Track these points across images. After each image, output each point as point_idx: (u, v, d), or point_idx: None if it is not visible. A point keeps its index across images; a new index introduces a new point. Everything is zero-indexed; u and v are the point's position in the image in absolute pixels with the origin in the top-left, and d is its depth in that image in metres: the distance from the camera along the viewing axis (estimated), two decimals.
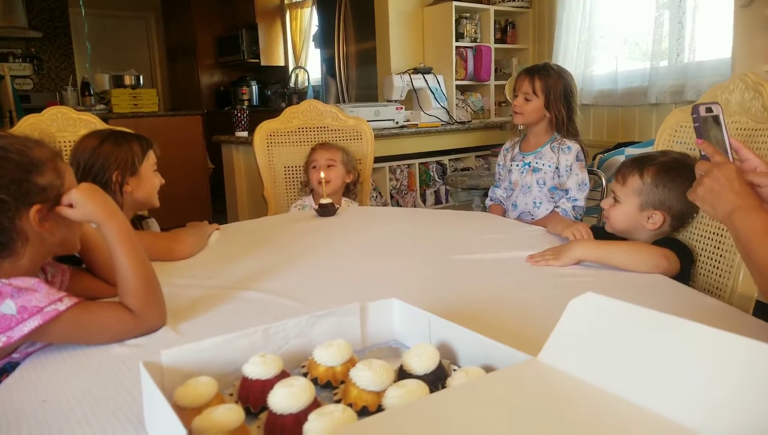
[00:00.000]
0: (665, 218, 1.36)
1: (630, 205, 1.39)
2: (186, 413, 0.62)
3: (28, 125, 1.68)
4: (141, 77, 5.30)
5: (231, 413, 0.59)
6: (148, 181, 1.58)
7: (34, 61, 6.30)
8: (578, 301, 0.64)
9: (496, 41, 4.03)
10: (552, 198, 2.11)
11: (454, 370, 0.72)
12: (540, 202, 2.12)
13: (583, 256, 1.28)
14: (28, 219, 0.92)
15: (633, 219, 1.39)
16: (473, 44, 3.94)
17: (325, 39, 4.59)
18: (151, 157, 1.59)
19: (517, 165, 2.17)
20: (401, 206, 3.53)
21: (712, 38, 2.81)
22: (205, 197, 4.88)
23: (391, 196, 3.54)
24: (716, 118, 1.01)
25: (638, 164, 1.40)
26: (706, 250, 1.36)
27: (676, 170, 1.35)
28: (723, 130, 1.01)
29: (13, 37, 6.08)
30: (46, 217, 0.95)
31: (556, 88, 2.07)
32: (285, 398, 0.61)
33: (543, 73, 2.09)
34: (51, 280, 1.06)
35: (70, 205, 0.97)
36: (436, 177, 3.77)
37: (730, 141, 1.01)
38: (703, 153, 1.01)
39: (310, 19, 6.15)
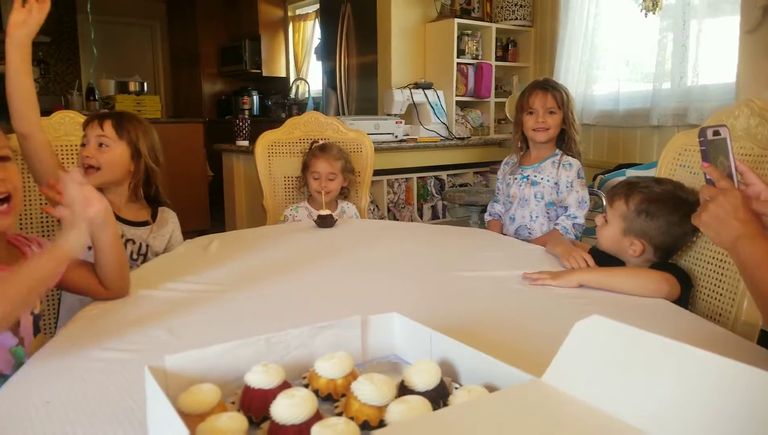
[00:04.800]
0: (644, 247, 1.36)
1: (615, 228, 1.39)
2: (189, 419, 0.62)
3: None
4: (145, 84, 5.32)
5: (234, 421, 0.59)
6: None
7: (41, 65, 6.32)
8: (584, 323, 0.64)
9: (497, 59, 4.06)
10: (548, 213, 2.12)
11: (456, 387, 0.72)
12: (536, 216, 2.12)
13: (583, 280, 1.28)
14: None
15: (617, 242, 1.40)
16: (474, 61, 3.97)
17: (327, 51, 4.62)
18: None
19: (516, 178, 2.17)
20: (398, 220, 3.54)
21: (716, 62, 2.83)
22: (204, 204, 4.88)
23: (388, 210, 3.55)
24: (723, 142, 1.00)
25: (627, 189, 1.39)
26: (707, 276, 1.36)
27: (662, 202, 1.34)
28: (730, 154, 1.00)
29: None
30: None
31: (570, 101, 2.09)
32: (288, 409, 0.61)
33: (557, 87, 2.11)
34: (27, 256, 1.10)
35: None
36: (433, 192, 3.78)
37: (737, 164, 1.00)
38: (708, 177, 1.00)
39: (312, 31, 6.19)
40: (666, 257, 1.40)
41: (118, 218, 1.60)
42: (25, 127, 1.39)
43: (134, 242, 1.63)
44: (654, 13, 2.99)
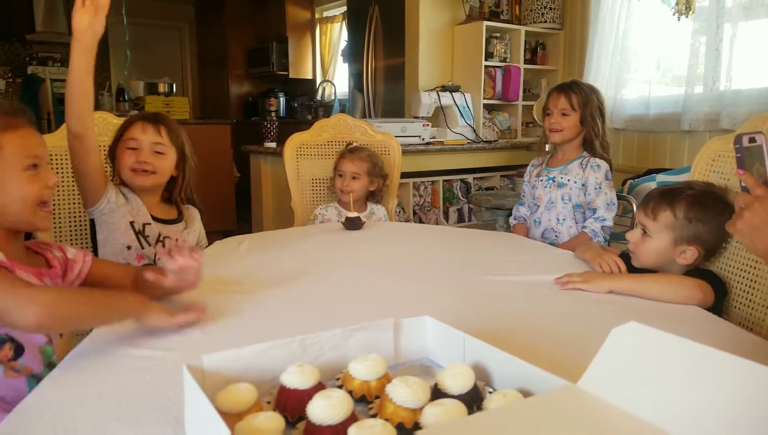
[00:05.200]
0: (699, 253, 1.34)
1: (662, 241, 1.36)
2: (226, 418, 0.62)
3: None
4: (174, 85, 5.39)
5: (272, 421, 0.60)
6: (118, 157, 1.60)
7: None
8: (621, 329, 0.64)
9: (526, 61, 4.04)
10: (575, 216, 2.10)
11: (489, 392, 0.72)
12: (563, 219, 2.10)
13: (614, 286, 1.26)
14: None
15: (664, 254, 1.36)
16: (502, 64, 3.95)
17: (354, 53, 4.64)
18: (125, 134, 1.61)
19: (542, 180, 2.16)
20: (423, 223, 3.53)
21: (750, 66, 2.78)
22: (231, 205, 4.94)
23: (414, 213, 3.55)
24: (759, 149, 0.98)
25: (668, 198, 1.37)
26: (740, 284, 1.34)
27: (708, 204, 1.33)
28: (766, 161, 0.98)
29: (54, 42, 6.24)
30: None
31: (590, 103, 2.07)
32: (324, 409, 0.62)
33: (576, 89, 2.10)
34: (50, 262, 1.12)
35: None
36: (459, 195, 3.77)
37: None
38: (743, 184, 0.99)
39: (339, 33, 6.22)
40: (712, 256, 1.38)
41: (154, 218, 1.63)
42: (81, 129, 1.40)
43: (171, 239, 1.65)
44: (687, 17, 2.95)
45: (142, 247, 1.59)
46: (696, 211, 1.33)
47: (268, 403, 0.71)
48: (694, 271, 1.33)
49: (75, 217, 1.80)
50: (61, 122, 1.84)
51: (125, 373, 0.85)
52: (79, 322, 1.01)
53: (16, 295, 0.89)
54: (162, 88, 5.43)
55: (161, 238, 1.62)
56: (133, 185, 1.62)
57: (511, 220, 2.31)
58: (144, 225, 1.60)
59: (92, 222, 1.61)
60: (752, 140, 0.99)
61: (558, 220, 2.11)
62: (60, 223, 1.77)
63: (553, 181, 2.13)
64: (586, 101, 2.07)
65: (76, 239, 1.79)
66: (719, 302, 1.28)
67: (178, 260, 1.09)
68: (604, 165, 2.07)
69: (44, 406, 0.76)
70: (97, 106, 6.12)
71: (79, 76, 1.34)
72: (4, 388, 0.99)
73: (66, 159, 1.74)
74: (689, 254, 1.33)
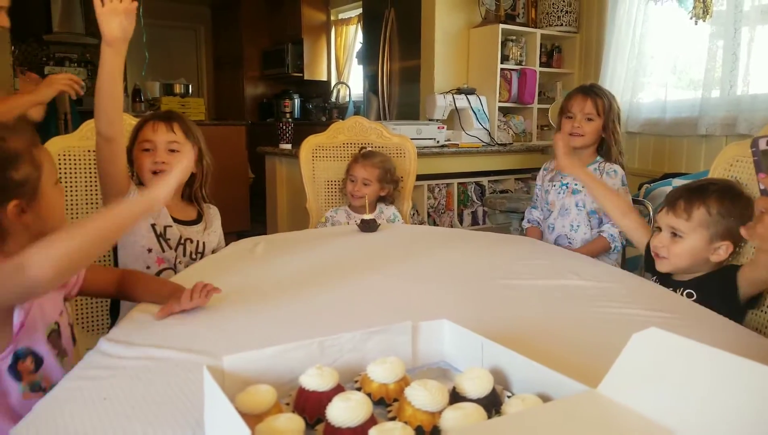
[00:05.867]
0: (733, 247, 1.33)
1: (697, 239, 1.34)
2: (246, 419, 0.63)
3: (89, 129, 1.74)
4: (190, 86, 5.43)
5: (292, 423, 0.61)
6: (136, 161, 1.58)
7: (88, 66, 6.52)
8: (641, 335, 0.64)
9: (542, 65, 4.03)
10: (590, 222, 2.08)
11: (508, 396, 0.72)
12: (578, 226, 2.09)
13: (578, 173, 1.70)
14: (6, 215, 0.94)
15: (699, 253, 1.36)
16: (518, 67, 3.94)
17: (369, 55, 4.65)
18: (139, 136, 1.60)
19: (554, 185, 2.15)
20: (438, 225, 3.53)
21: (767, 71, 2.76)
22: (245, 206, 4.96)
23: (428, 215, 3.55)
24: None
25: (698, 195, 1.36)
26: None
27: (735, 197, 1.34)
28: None
29: (71, 42, 6.31)
30: (25, 210, 0.97)
31: (612, 109, 2.05)
32: (344, 412, 0.62)
33: (600, 93, 2.07)
34: None
35: None
36: (474, 198, 3.77)
37: None
38: (762, 187, 0.98)
39: (354, 35, 6.24)
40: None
41: (175, 220, 1.63)
42: (112, 132, 1.40)
43: (192, 241, 1.65)
44: (704, 21, 2.92)
45: (163, 251, 1.59)
46: (727, 205, 1.33)
47: (287, 404, 0.72)
48: (729, 268, 1.33)
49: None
50: (78, 123, 1.85)
51: (144, 373, 0.86)
52: (94, 246, 0.96)
53: (21, 256, 0.86)
54: (178, 89, 5.48)
55: (182, 241, 1.63)
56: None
57: (524, 224, 2.30)
58: (165, 227, 1.60)
59: None
60: None
61: (572, 226, 2.10)
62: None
63: (567, 186, 2.11)
64: (609, 107, 2.04)
65: None
66: (743, 309, 1.28)
67: (193, 304, 1.10)
68: (620, 170, 2.05)
69: (67, 403, 0.77)
70: None
71: (110, 79, 1.34)
72: (25, 410, 1.00)
73: (81, 159, 1.75)
74: (723, 250, 1.33)
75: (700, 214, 1.34)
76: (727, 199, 1.33)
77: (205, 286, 1.10)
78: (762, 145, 0.99)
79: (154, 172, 1.57)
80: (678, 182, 2.62)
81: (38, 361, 1.03)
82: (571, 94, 2.13)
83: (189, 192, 1.71)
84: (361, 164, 2.23)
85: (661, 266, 1.39)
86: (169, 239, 1.60)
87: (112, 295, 1.29)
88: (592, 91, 2.08)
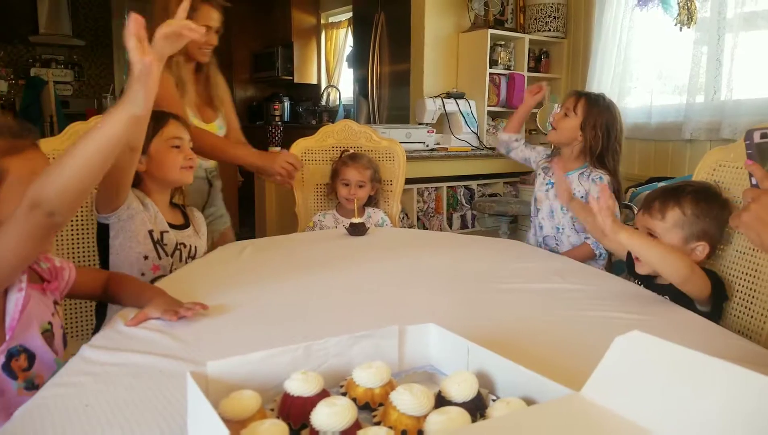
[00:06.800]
0: (710, 248, 1.34)
1: (673, 240, 1.36)
2: (230, 425, 0.63)
3: (74, 132, 1.72)
4: None
5: (276, 428, 0.60)
6: (161, 158, 1.59)
7: (75, 68, 6.47)
8: (624, 338, 0.64)
9: (530, 69, 4.04)
10: (575, 226, 2.10)
11: (493, 400, 0.73)
12: (563, 228, 2.11)
13: (628, 241, 1.25)
14: None
15: (681, 251, 1.36)
16: (507, 72, 3.96)
17: (359, 59, 4.65)
18: (164, 133, 1.60)
19: (543, 179, 2.16)
20: (427, 229, 3.54)
21: (751, 77, 2.79)
22: (235, 209, 4.94)
23: (418, 218, 3.55)
24: None
25: (673, 196, 1.37)
26: (740, 292, 1.35)
27: (710, 199, 1.36)
28: None
29: (57, 44, 6.26)
30: None
31: (598, 115, 2.04)
32: (328, 417, 0.62)
33: (592, 97, 2.08)
34: (42, 275, 1.12)
35: None
36: (463, 201, 3.78)
37: None
38: (752, 179, 0.97)
39: (345, 39, 6.24)
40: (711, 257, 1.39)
41: (169, 225, 1.62)
42: (138, 141, 1.36)
43: (185, 246, 1.64)
44: (689, 27, 2.96)
45: (159, 258, 1.57)
46: (702, 206, 1.34)
47: (272, 410, 0.72)
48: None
49: (78, 223, 1.75)
50: (63, 125, 1.83)
51: (128, 379, 0.85)
52: (95, 165, 0.95)
53: (28, 198, 0.90)
54: None
55: (178, 246, 1.61)
56: (183, 182, 1.66)
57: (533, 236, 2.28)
58: (162, 233, 1.59)
59: (99, 228, 1.57)
60: (764, 136, 0.97)
61: (558, 229, 2.12)
62: (63, 230, 1.74)
63: (552, 186, 2.12)
64: (593, 111, 2.03)
65: (79, 246, 1.73)
66: (718, 307, 1.28)
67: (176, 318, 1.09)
68: (607, 177, 2.05)
69: (50, 407, 0.76)
70: (100, 109, 6.14)
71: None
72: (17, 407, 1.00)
73: None
74: (700, 250, 1.34)
75: (675, 215, 1.35)
76: (702, 201, 1.34)
77: (195, 306, 1.10)
78: (756, 138, 0.97)
79: (185, 168, 1.63)
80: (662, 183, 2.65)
81: (31, 358, 1.03)
82: (570, 92, 2.18)
83: (181, 197, 1.71)
84: (353, 167, 2.23)
85: (640, 269, 1.39)
86: (166, 245, 1.58)
87: (99, 297, 1.29)
88: (585, 93, 2.11)
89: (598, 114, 2.04)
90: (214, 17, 2.12)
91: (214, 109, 2.19)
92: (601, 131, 2.03)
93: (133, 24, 0.97)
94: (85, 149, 0.94)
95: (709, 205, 1.34)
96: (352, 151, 2.35)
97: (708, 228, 1.34)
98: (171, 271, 1.55)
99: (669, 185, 1.45)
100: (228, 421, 0.64)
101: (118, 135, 0.97)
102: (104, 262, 1.57)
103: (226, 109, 2.25)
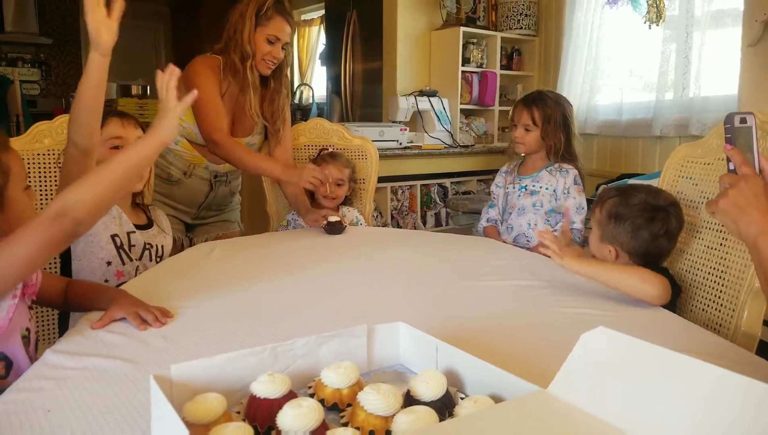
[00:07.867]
0: (618, 253, 1.37)
1: (593, 235, 1.42)
2: (194, 429, 0.62)
3: (38, 132, 1.68)
4: (149, 88, 5.32)
5: (241, 431, 0.59)
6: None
7: (42, 66, 6.33)
8: (590, 335, 0.64)
9: (502, 67, 4.07)
10: (548, 220, 2.13)
11: (462, 398, 0.72)
12: (535, 224, 2.13)
13: (581, 269, 1.26)
14: None
15: (598, 250, 1.41)
16: (479, 69, 3.97)
17: (332, 57, 4.64)
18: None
19: (514, 187, 2.20)
20: (401, 227, 3.54)
21: (718, 74, 2.84)
22: None
23: (392, 217, 3.55)
24: (749, 130, 0.95)
25: (601, 198, 1.43)
26: (707, 286, 1.37)
27: (629, 206, 1.36)
28: (754, 144, 0.95)
29: (23, 42, 6.12)
30: None
31: (554, 116, 2.11)
32: (294, 419, 0.61)
33: (540, 103, 2.13)
34: None
35: None
36: (437, 199, 3.79)
37: (760, 158, 0.94)
38: (730, 165, 0.95)
39: (317, 37, 6.21)
40: (645, 264, 1.35)
41: (135, 226, 1.58)
42: (90, 143, 1.32)
43: (152, 245, 1.61)
44: (657, 25, 3.00)
45: (123, 263, 1.53)
46: (615, 211, 1.36)
47: (238, 413, 0.71)
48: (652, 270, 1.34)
49: None
50: (29, 125, 1.78)
51: (91, 383, 0.84)
52: (119, 188, 1.04)
53: (54, 205, 0.93)
54: (135, 90, 5.36)
55: (146, 246, 1.58)
56: (132, 188, 1.55)
57: (483, 223, 2.32)
58: (129, 234, 1.55)
59: None
60: (743, 121, 0.96)
61: (529, 225, 2.14)
62: None
63: (525, 189, 2.17)
64: (549, 116, 2.10)
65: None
66: (673, 302, 1.30)
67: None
68: (573, 170, 2.12)
69: (11, 414, 0.74)
70: (68, 109, 6.01)
71: (97, 87, 1.28)
72: None
73: (32, 162, 1.66)
74: (611, 255, 1.37)
75: (596, 213, 1.41)
76: (620, 207, 1.36)
77: (162, 317, 1.08)
78: (736, 122, 0.96)
79: None
80: (634, 182, 2.68)
81: (8, 366, 1.00)
82: (516, 103, 2.23)
83: (141, 197, 1.66)
84: (333, 165, 2.20)
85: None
86: (134, 246, 1.55)
87: (59, 305, 1.25)
88: (532, 102, 2.15)
89: (553, 115, 2.11)
90: (287, 31, 2.05)
91: (249, 127, 2.13)
92: (560, 129, 2.12)
93: (169, 75, 1.14)
94: (120, 166, 1.02)
95: (625, 213, 1.35)
96: (331, 149, 2.34)
97: (617, 234, 1.35)
98: (136, 274, 1.52)
99: (624, 186, 1.47)
100: (192, 425, 0.63)
101: (149, 157, 1.10)
102: (65, 269, 1.53)
103: (284, 130, 2.20)
